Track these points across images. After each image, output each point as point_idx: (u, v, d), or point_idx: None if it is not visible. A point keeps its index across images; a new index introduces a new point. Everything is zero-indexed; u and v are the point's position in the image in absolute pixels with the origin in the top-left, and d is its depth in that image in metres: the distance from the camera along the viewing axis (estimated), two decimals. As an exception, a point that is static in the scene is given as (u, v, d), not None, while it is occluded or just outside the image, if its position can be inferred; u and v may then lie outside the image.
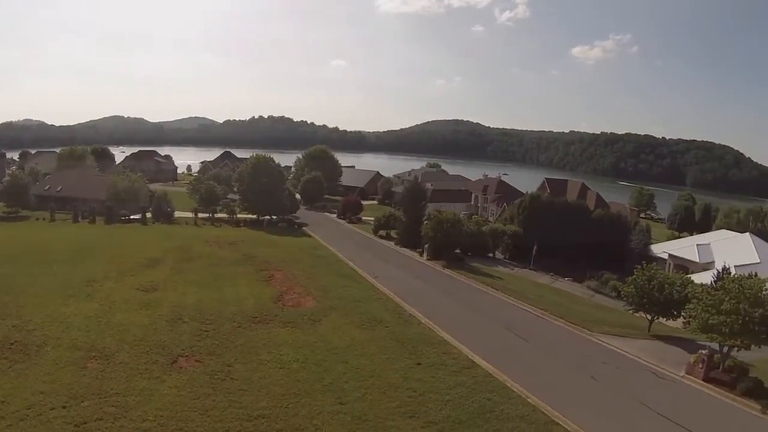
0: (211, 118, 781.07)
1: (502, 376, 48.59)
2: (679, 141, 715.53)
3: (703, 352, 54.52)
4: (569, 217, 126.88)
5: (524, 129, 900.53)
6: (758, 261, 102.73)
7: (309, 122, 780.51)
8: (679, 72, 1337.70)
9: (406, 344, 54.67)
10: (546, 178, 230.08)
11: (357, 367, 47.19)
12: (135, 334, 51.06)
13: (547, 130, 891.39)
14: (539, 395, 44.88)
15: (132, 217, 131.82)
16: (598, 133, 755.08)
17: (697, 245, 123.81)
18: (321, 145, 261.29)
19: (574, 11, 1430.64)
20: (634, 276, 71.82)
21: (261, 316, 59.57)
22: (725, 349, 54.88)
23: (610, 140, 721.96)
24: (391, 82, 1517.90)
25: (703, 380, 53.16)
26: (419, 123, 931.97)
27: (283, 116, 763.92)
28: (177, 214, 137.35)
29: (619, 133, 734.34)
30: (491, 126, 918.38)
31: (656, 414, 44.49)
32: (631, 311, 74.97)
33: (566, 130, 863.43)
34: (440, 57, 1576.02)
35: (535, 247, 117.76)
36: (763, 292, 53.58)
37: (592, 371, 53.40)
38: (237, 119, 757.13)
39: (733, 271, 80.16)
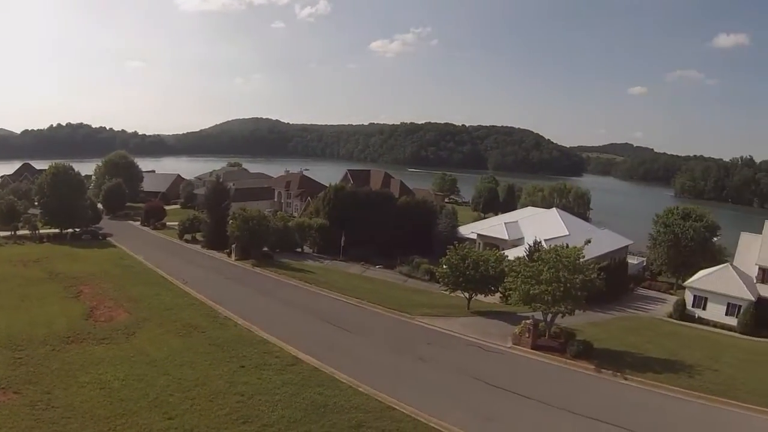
0: (8, 128, 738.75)
1: (329, 368, 47.33)
2: (479, 127, 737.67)
3: (528, 321, 55.39)
4: (375, 205, 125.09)
5: (324, 124, 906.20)
6: (567, 233, 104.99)
7: (108, 128, 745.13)
8: (477, 61, 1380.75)
9: (225, 348, 52.41)
10: (348, 170, 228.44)
11: (180, 378, 44.37)
12: (-54, 370, 46.19)
13: (347, 123, 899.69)
14: (370, 383, 43.90)
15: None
16: (398, 123, 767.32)
17: (505, 223, 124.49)
18: (120, 150, 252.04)
19: (376, 6, 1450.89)
20: (447, 256, 72.19)
21: (74, 336, 55.08)
22: (549, 316, 55.95)
23: (410, 130, 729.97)
24: (191, 83, 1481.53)
25: (531, 348, 53.98)
26: (219, 123, 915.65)
27: (81, 123, 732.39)
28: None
29: (420, 122, 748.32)
30: (291, 122, 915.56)
31: (492, 386, 44.61)
32: (448, 291, 75.01)
33: (366, 123, 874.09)
34: (240, 55, 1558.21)
35: (343, 238, 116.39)
36: (581, 260, 55.35)
37: (419, 353, 53.00)
38: (35, 129, 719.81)
39: (544, 244, 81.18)
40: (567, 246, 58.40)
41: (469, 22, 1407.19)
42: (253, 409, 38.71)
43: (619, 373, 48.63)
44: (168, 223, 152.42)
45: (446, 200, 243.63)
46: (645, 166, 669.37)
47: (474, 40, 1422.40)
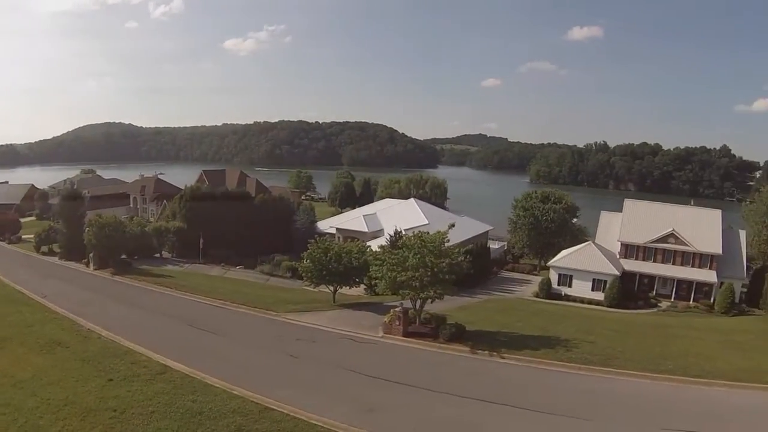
0: None
1: (200, 374, 44.81)
2: (333, 123, 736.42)
3: (397, 309, 54.58)
4: (232, 205, 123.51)
5: (178, 126, 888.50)
6: (427, 222, 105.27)
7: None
8: (330, 58, 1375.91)
9: (92, 362, 49.09)
10: (203, 170, 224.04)
11: (48, 399, 40.80)
12: None
13: (200, 125, 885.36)
14: (245, 385, 41.84)
15: None
16: (252, 123, 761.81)
17: (364, 216, 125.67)
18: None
19: (230, 4, 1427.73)
20: (309, 250, 71.07)
21: (-67, 364, 51.37)
22: (418, 302, 55.06)
23: (263, 129, 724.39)
24: (43, 87, 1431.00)
25: (403, 336, 53.24)
26: (72, 129, 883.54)
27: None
28: None
29: (273, 121, 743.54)
30: (144, 126, 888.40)
31: (369, 377, 43.76)
32: (312, 286, 75.50)
33: (219, 124, 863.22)
34: (94, 56, 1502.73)
35: (201, 240, 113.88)
36: (445, 244, 55.06)
37: (289, 350, 51.57)
38: None
39: (404, 233, 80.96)
40: (428, 233, 57.64)
41: (323, 18, 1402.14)
42: (128, 424, 36.08)
43: (495, 353, 48.63)
44: (24, 236, 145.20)
45: (303, 197, 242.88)
46: (499, 156, 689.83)
47: (327, 37, 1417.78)
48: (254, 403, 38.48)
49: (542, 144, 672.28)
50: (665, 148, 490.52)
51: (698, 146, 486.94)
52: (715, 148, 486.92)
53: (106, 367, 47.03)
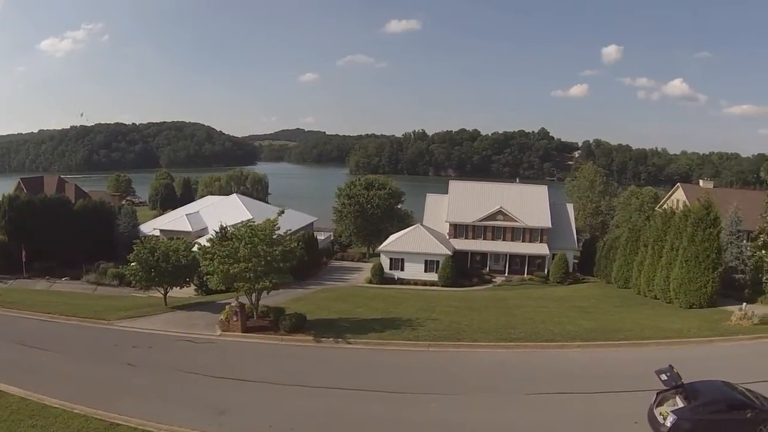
0: None
1: (37, 395, 40.85)
2: (150, 125, 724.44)
3: (233, 305, 53.62)
4: (52, 213, 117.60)
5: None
6: (251, 216, 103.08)
7: None
8: (146, 57, 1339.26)
9: None
10: (21, 179, 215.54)
11: None
12: None
13: (16, 132, 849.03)
14: (85, 401, 38.58)
15: None
16: (68, 128, 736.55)
17: (186, 215, 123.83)
18: None
19: (49, 1, 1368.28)
20: (135, 252, 67.87)
21: None
22: (254, 295, 54.46)
23: (80, 134, 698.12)
24: None
25: (243, 332, 52.18)
26: None
27: None
28: None
29: (89, 125, 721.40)
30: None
31: (213, 378, 42.28)
32: (141, 291, 72.84)
33: (36, 130, 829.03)
34: None
35: (24, 253, 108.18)
36: (277, 232, 54.97)
37: (126, 359, 48.83)
38: None
39: (230, 229, 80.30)
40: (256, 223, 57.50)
41: (140, 15, 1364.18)
42: (-35, 460, 33.32)
43: (340, 339, 48.49)
44: None
45: (123, 201, 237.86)
46: (318, 149, 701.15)
47: (143, 36, 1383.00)
48: (98, 420, 35.82)
49: (361, 135, 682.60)
50: (484, 133, 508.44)
51: (517, 130, 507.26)
52: (533, 132, 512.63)
53: (-67, 401, 43.70)
